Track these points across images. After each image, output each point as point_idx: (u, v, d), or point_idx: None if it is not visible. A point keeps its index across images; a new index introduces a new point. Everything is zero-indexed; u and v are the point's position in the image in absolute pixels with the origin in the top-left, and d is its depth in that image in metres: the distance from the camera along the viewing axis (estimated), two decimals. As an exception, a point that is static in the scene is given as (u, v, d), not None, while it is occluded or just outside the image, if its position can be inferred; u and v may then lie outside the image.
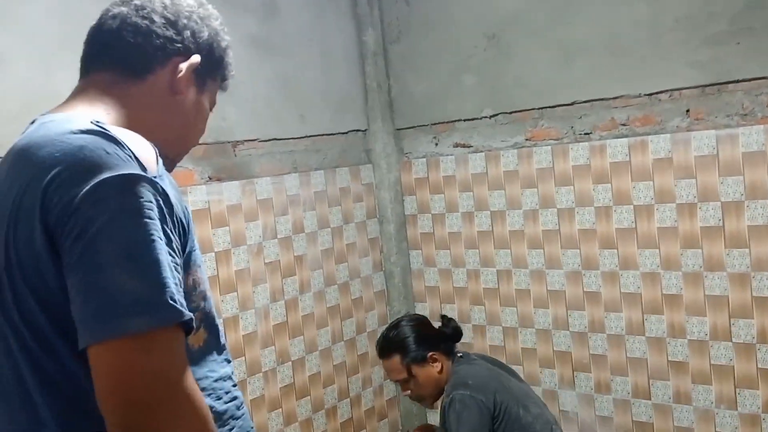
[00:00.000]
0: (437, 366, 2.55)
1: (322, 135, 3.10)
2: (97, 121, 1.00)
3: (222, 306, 2.64)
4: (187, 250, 1.04)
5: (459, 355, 2.62)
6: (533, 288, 2.97)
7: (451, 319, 2.71)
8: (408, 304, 3.37)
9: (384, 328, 2.74)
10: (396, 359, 2.58)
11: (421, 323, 2.66)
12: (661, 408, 2.70)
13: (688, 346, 2.61)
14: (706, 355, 2.57)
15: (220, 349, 1.16)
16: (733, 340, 2.51)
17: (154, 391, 0.89)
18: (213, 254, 2.62)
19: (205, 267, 1.16)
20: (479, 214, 3.09)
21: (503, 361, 3.03)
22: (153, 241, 0.92)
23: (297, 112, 2.98)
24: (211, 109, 1.28)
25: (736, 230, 2.46)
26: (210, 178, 2.63)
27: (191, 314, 0.95)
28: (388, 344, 2.62)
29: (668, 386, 2.67)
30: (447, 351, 2.60)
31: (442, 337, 2.63)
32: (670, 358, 2.65)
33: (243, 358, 2.71)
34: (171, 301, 0.92)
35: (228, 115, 2.68)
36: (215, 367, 1.12)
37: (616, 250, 2.73)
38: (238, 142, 2.74)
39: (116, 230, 0.90)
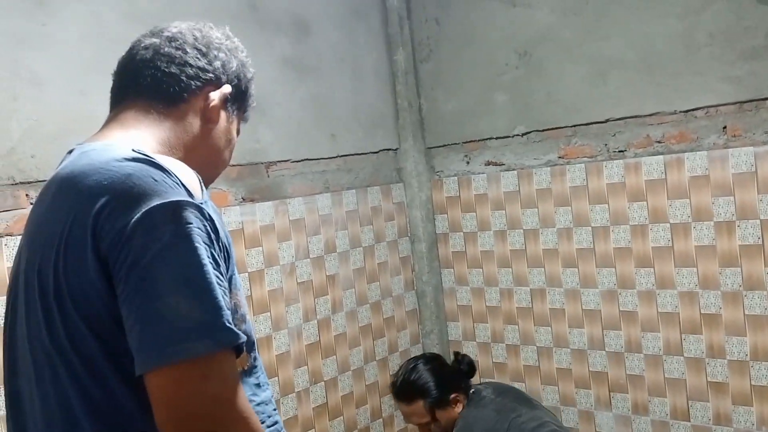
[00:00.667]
0: (459, 407, 2.55)
1: (354, 155, 3.11)
2: (139, 149, 1.01)
3: (256, 326, 2.65)
4: (229, 273, 1.05)
5: (471, 391, 2.61)
6: (568, 307, 2.93)
7: (465, 355, 2.71)
8: (440, 323, 3.34)
9: (400, 369, 2.70)
10: (419, 404, 2.56)
11: (438, 363, 2.65)
12: (700, 430, 2.64)
13: (727, 367, 2.55)
14: (746, 375, 2.51)
15: (261, 372, 1.16)
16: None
17: (214, 414, 0.90)
18: (246, 274, 2.63)
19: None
20: (512, 232, 3.07)
21: (537, 380, 3.00)
22: (204, 265, 0.93)
23: (328, 131, 3.00)
24: (237, 137, 1.29)
25: (777, 248, 2.41)
26: (243, 199, 2.65)
27: (244, 336, 0.96)
28: (410, 389, 2.59)
29: (708, 408, 2.61)
30: (465, 389, 2.59)
31: (459, 374, 2.61)
32: (709, 379, 2.60)
33: (276, 378, 2.71)
34: (228, 324, 0.92)
35: (261, 137, 2.69)
36: (257, 391, 1.12)
37: (652, 269, 2.68)
38: (271, 163, 2.75)
39: (170, 257, 0.91)
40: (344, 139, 3.06)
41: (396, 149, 3.32)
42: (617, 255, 2.76)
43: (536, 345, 3.06)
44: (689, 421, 2.66)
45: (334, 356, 2.96)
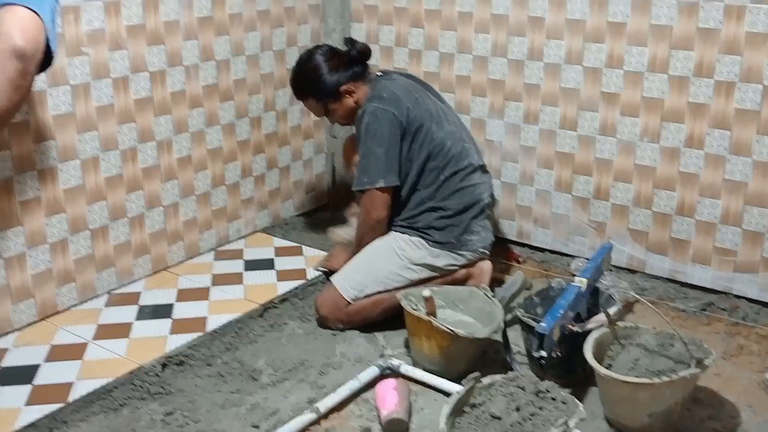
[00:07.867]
0: (354, 97, 2.54)
1: None
2: None
3: None
4: None
5: (378, 74, 2.59)
6: (476, 11, 2.82)
7: (355, 41, 2.59)
8: (344, 22, 3.19)
9: (295, 65, 2.63)
10: (311, 101, 2.59)
11: (327, 56, 2.55)
12: (585, 140, 2.71)
13: (623, 78, 2.57)
14: (639, 86, 2.55)
15: None
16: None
17: None
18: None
19: None
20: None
21: (436, 86, 2.96)
22: None
23: None
24: None
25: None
26: None
27: None
28: (302, 87, 2.60)
29: (596, 117, 2.67)
30: (360, 76, 2.54)
31: (352, 62, 2.54)
32: (603, 90, 2.62)
33: (163, 46, 2.54)
34: None
35: None
36: None
37: (568, -27, 2.58)
38: None
39: None
40: None
41: None
42: (536, -44, 2.63)
43: (439, 51, 2.97)
44: (576, 131, 2.72)
45: (228, 36, 2.79)
